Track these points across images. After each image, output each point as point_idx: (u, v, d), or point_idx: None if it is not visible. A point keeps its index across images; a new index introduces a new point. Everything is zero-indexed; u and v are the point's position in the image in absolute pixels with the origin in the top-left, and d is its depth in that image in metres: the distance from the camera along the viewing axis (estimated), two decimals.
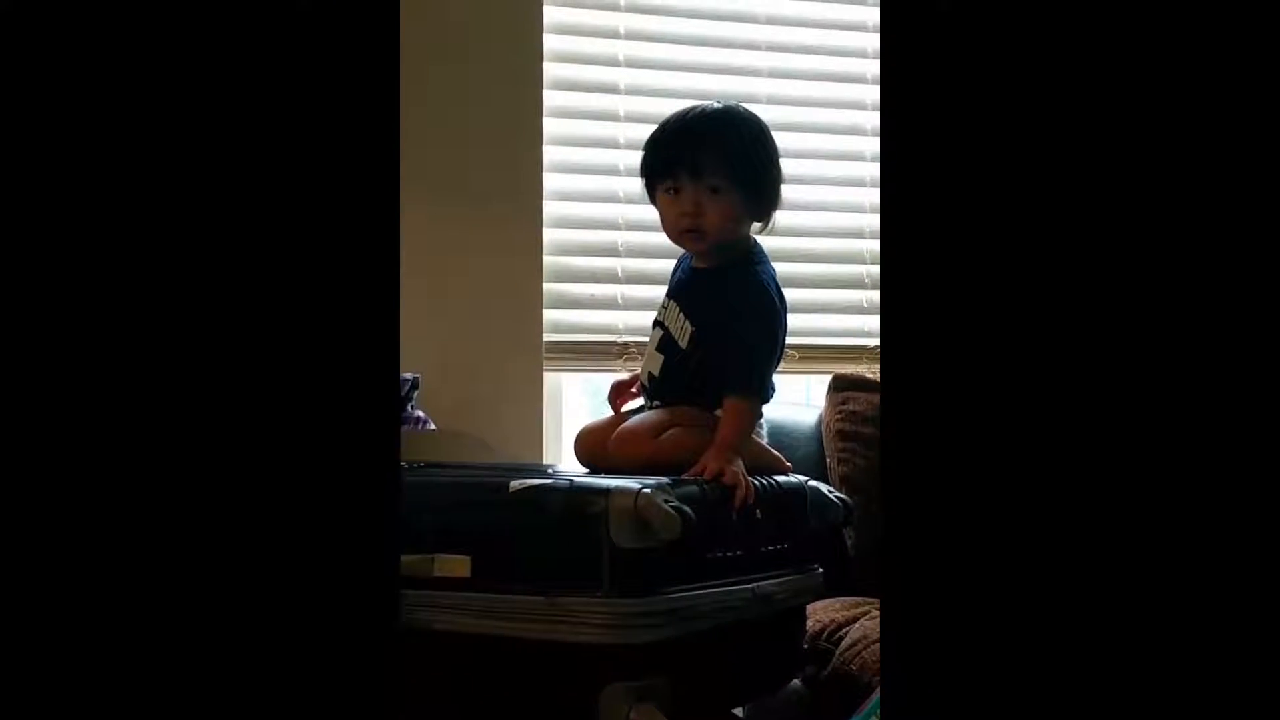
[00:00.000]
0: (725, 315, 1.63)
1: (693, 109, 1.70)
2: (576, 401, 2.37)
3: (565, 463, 1.79)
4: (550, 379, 2.33)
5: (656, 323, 1.71)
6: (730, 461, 1.52)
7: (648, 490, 1.35)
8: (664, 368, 1.66)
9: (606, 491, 1.36)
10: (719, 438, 1.55)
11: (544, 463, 2.17)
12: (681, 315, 1.66)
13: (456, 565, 1.41)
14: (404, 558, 1.43)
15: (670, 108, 2.42)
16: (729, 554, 1.48)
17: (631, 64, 2.44)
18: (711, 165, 1.62)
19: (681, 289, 1.70)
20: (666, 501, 1.35)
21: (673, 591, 1.38)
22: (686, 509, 1.35)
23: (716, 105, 1.71)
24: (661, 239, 2.42)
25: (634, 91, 2.44)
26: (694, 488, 1.44)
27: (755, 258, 1.68)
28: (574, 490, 1.41)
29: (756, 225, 1.69)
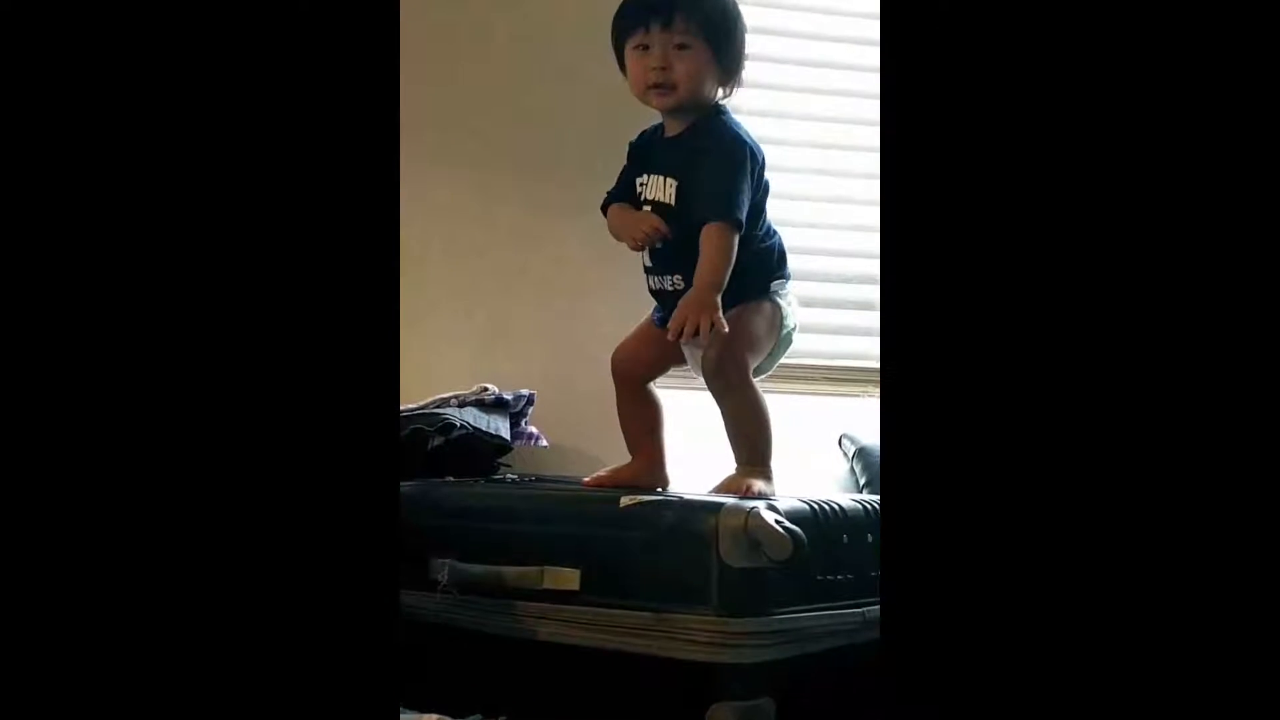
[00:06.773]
0: (699, 157, 1.64)
1: None
2: (691, 419, 2.36)
3: (680, 480, 1.78)
4: (664, 397, 2.32)
5: (644, 202, 1.69)
6: (714, 308, 1.54)
7: (759, 509, 1.35)
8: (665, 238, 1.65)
9: (717, 509, 1.36)
10: (699, 278, 1.56)
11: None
12: (662, 179, 1.66)
13: (566, 578, 1.42)
14: (514, 569, 1.45)
15: (806, 103, 2.43)
16: (840, 577, 1.46)
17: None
18: (681, 20, 1.63)
19: (655, 159, 1.70)
20: (778, 522, 1.34)
21: (782, 612, 1.37)
22: (798, 530, 1.34)
23: None
24: (797, 240, 2.41)
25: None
26: (806, 508, 1.43)
27: (721, 112, 1.69)
28: (684, 508, 1.41)
29: (720, 91, 1.69)
